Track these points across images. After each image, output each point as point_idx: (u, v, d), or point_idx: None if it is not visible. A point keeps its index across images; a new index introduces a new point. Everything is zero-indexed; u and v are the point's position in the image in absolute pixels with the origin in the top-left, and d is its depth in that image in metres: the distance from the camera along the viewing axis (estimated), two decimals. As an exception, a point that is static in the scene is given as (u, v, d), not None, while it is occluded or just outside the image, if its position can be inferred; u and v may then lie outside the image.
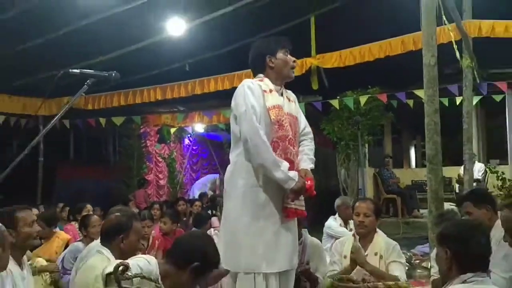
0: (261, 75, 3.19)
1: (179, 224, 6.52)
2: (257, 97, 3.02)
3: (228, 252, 2.93)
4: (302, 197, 3.11)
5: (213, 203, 10.31)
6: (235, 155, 3.09)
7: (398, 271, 3.98)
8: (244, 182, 3.02)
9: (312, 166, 3.20)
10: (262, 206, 2.99)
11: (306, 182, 2.98)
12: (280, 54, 3.18)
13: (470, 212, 3.53)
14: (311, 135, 3.37)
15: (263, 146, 2.91)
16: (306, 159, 3.20)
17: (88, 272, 2.91)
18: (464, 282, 2.27)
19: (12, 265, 2.92)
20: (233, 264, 2.92)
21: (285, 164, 2.93)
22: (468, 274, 2.29)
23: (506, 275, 3.13)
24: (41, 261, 4.65)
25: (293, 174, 2.95)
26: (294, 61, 3.23)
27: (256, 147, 2.91)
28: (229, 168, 3.14)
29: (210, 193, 12.70)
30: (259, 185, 2.99)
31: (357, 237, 4.36)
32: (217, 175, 14.23)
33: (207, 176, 14.89)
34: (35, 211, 4.54)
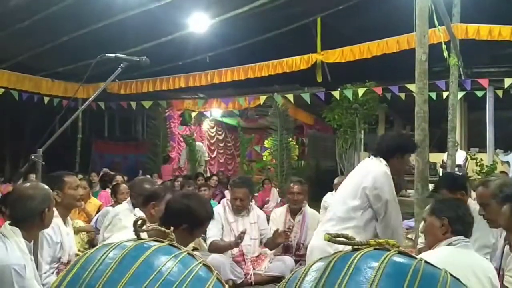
0: (383, 160, 3.13)
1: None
2: None
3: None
4: None
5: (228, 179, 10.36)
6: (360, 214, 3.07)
7: None
8: None
9: None
10: None
11: None
12: (406, 156, 3.22)
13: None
14: None
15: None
16: None
17: (123, 234, 2.93)
18: (450, 244, 2.24)
19: (59, 222, 2.97)
20: None
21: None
22: (453, 237, 2.26)
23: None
24: (79, 223, 4.72)
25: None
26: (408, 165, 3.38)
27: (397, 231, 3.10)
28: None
29: None
30: None
31: None
32: None
33: None
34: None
